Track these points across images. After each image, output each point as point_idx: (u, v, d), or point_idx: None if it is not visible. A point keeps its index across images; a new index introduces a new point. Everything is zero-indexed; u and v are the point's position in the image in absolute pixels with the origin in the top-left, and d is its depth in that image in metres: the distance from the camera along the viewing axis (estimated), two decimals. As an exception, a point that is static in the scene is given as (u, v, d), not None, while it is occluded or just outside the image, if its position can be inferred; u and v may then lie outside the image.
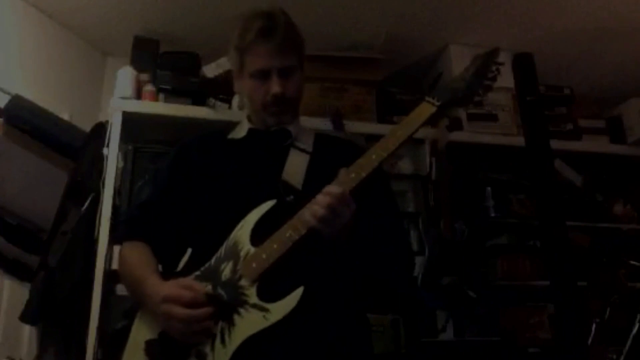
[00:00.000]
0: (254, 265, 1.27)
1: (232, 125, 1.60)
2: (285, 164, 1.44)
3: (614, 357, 2.30)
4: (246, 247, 1.30)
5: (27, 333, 2.35)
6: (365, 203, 1.27)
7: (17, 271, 2.25)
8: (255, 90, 1.48)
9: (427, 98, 1.36)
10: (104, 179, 2.30)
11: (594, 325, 2.34)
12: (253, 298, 1.25)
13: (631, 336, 2.27)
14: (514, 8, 2.61)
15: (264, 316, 1.23)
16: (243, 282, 1.27)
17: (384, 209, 1.46)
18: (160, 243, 1.46)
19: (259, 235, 1.30)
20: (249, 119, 1.57)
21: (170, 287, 1.28)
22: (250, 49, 1.45)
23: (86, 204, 2.27)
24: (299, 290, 1.22)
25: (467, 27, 2.77)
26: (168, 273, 1.42)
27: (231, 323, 1.25)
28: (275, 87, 1.44)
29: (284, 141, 1.50)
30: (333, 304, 1.34)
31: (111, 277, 2.24)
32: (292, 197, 1.35)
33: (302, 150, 1.49)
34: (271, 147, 1.49)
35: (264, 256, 1.27)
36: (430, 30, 2.80)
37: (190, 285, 1.28)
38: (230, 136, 1.56)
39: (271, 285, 1.26)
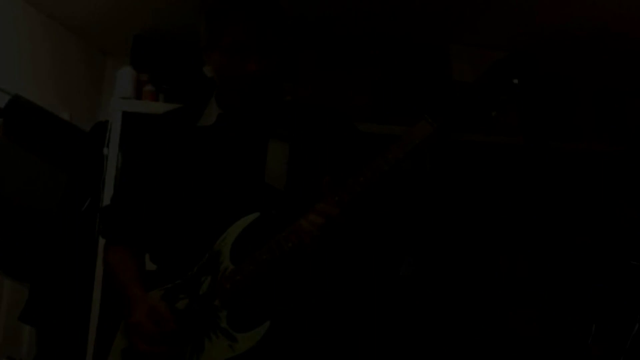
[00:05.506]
0: (228, 286, 1.23)
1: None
2: (265, 158, 1.31)
3: (614, 357, 2.30)
4: (226, 261, 1.24)
5: (27, 333, 2.35)
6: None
7: (17, 271, 2.25)
8: (229, 67, 1.29)
9: (426, 115, 1.17)
10: (104, 179, 2.29)
11: (594, 326, 2.34)
12: (223, 322, 1.22)
13: (631, 336, 2.27)
14: (514, 8, 2.60)
15: (230, 346, 1.19)
16: (217, 302, 1.23)
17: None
18: (140, 244, 1.43)
19: (239, 247, 1.25)
20: (218, 100, 1.42)
21: (141, 314, 1.23)
22: (228, 18, 1.27)
23: (86, 204, 2.27)
24: (266, 324, 1.20)
25: (467, 27, 2.77)
26: (157, 264, 1.41)
27: (201, 348, 1.22)
28: (253, 64, 1.25)
29: (260, 129, 1.34)
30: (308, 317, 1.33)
31: (111, 277, 2.24)
32: (275, 211, 1.27)
33: (281, 137, 1.33)
34: (247, 137, 1.34)
35: (238, 278, 1.22)
36: (430, 30, 2.80)
37: (159, 315, 1.22)
38: (199, 123, 1.39)
39: (243, 306, 1.23)
